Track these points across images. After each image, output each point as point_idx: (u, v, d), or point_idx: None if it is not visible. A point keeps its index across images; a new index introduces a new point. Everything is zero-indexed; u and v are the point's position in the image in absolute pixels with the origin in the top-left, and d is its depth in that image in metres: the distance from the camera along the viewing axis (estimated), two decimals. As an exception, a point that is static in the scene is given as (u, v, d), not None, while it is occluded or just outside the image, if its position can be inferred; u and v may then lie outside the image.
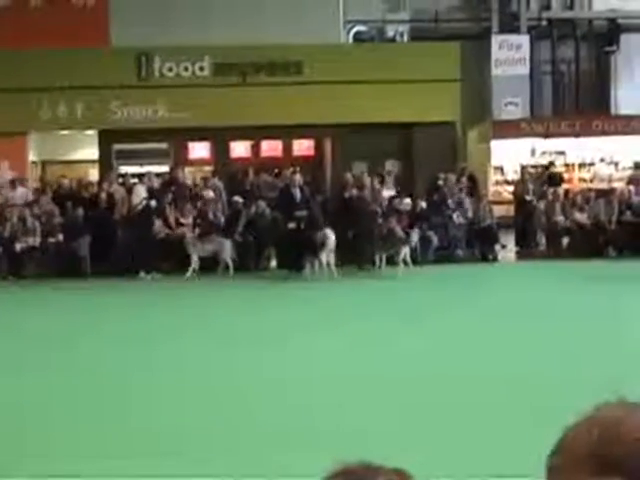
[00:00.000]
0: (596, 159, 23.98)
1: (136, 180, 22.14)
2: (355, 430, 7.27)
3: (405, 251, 18.85)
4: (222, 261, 19.13)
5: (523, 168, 22.77)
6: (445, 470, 5.93)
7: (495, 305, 14.39)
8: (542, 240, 21.32)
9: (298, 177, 20.74)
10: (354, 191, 20.40)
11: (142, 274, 18.93)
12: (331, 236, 18.16)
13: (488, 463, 6.33)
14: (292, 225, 19.58)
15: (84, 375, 9.83)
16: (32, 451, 7.08)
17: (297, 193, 20.55)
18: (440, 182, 21.55)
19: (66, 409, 8.43)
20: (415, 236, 19.35)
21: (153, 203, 19.78)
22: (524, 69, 25.07)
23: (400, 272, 18.16)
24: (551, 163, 23.25)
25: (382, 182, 21.71)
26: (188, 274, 18.76)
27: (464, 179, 22.03)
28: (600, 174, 23.52)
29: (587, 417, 1.29)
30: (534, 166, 23.64)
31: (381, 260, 18.85)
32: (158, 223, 19.57)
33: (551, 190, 21.71)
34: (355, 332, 12.00)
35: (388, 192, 21.50)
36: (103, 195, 20.35)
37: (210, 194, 20.86)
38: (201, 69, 23.58)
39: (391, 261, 18.77)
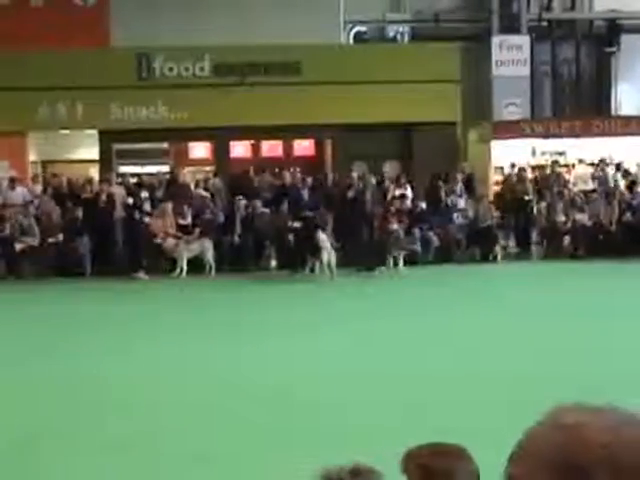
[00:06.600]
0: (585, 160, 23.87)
1: (135, 180, 22.24)
2: (359, 427, 7.26)
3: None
4: (206, 262, 19.19)
5: (521, 169, 22.72)
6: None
7: (496, 304, 14.39)
8: (542, 240, 21.33)
9: (309, 178, 21.15)
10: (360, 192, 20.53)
11: (141, 274, 18.94)
12: (322, 237, 18.10)
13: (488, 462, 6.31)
14: (297, 224, 19.63)
15: (86, 373, 9.82)
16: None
17: (305, 193, 20.73)
18: (440, 182, 21.60)
19: (65, 411, 8.42)
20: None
21: (147, 209, 19.93)
22: (524, 70, 25.03)
23: (405, 272, 18.40)
24: (554, 162, 23.23)
25: (398, 182, 21.68)
26: (175, 274, 18.93)
27: (463, 179, 22.08)
28: (580, 175, 23.43)
29: (547, 422, 1.24)
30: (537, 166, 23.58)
31: (395, 260, 18.96)
32: (156, 225, 19.58)
33: (555, 190, 21.72)
34: (356, 331, 12.01)
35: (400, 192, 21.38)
36: (103, 195, 20.35)
37: (206, 194, 20.89)
38: (201, 69, 23.55)
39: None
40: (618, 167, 22.95)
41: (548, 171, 23.09)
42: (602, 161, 23.09)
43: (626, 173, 22.76)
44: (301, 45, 23.17)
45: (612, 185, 22.21)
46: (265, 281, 18.08)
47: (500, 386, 8.76)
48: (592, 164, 23.41)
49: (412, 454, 2.58)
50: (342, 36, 24.85)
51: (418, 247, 19.83)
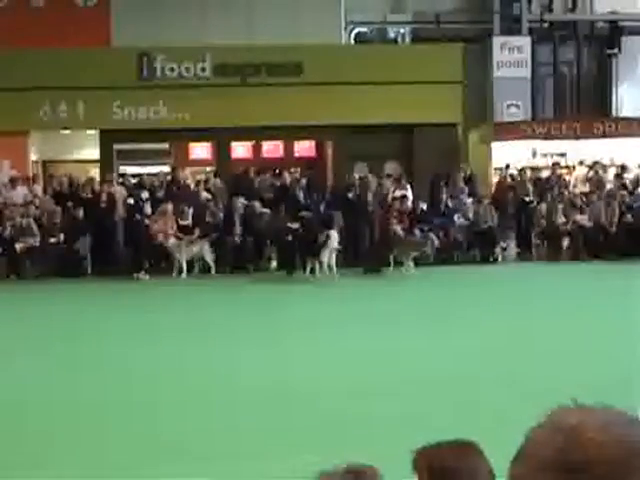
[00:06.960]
0: (587, 162, 23.83)
1: (135, 180, 22.27)
2: (359, 427, 7.26)
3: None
4: (206, 262, 19.22)
5: (522, 170, 22.74)
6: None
7: (496, 305, 14.39)
8: (542, 242, 21.33)
9: (303, 178, 21.12)
10: (359, 192, 20.52)
11: (142, 274, 18.93)
12: (334, 236, 18.10)
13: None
14: (295, 225, 19.62)
15: (86, 373, 9.83)
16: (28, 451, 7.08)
17: (301, 194, 20.72)
18: (441, 184, 21.60)
19: (68, 410, 8.42)
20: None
21: (148, 209, 19.95)
22: (525, 71, 25.02)
23: (413, 271, 18.45)
24: (555, 163, 23.26)
25: (399, 183, 21.69)
26: (174, 274, 18.94)
27: (464, 180, 22.10)
28: (581, 177, 23.41)
29: (546, 422, 1.26)
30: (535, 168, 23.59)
31: (399, 262, 18.92)
32: (155, 227, 19.59)
33: (555, 191, 21.72)
34: (356, 332, 12.00)
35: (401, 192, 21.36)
36: (103, 195, 20.36)
37: (206, 195, 20.89)
38: (202, 70, 23.54)
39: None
40: (623, 169, 22.94)
41: (549, 172, 23.08)
42: (597, 163, 23.09)
43: (619, 176, 22.72)
44: (302, 46, 23.18)
45: (608, 187, 22.20)
46: (265, 281, 18.09)
47: (500, 386, 8.76)
48: (590, 166, 23.42)
49: (422, 452, 2.58)
50: (343, 37, 24.87)
51: (429, 248, 19.83)
